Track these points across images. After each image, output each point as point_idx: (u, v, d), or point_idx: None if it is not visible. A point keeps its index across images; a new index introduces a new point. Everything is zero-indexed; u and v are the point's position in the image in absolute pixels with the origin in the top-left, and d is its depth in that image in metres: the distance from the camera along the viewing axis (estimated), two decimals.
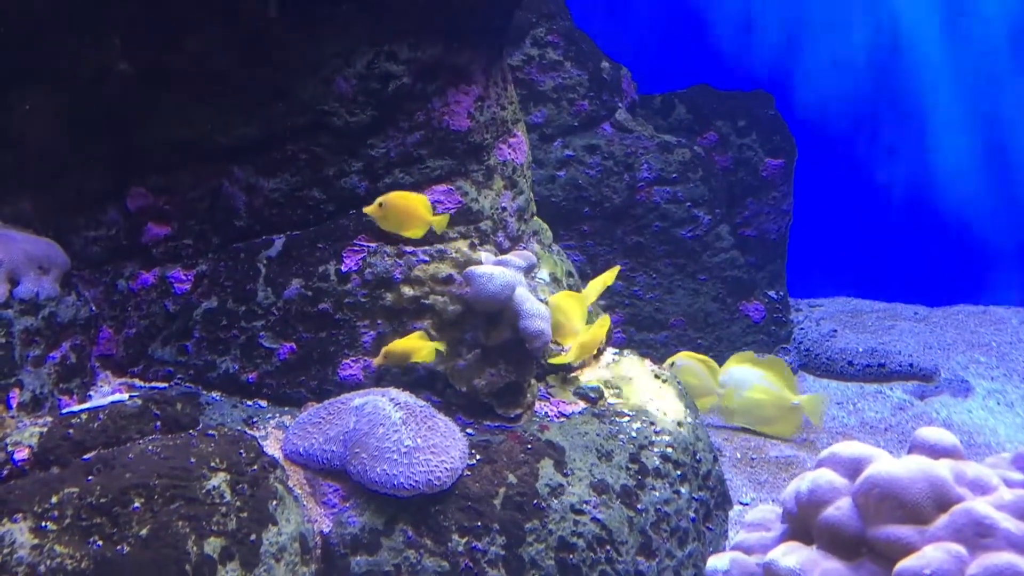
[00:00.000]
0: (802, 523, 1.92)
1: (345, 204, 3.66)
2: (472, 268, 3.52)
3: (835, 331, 6.99)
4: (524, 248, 4.17)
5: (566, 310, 3.53)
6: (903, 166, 9.57)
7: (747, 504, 4.34)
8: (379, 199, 3.44)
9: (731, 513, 4.02)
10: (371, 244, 3.60)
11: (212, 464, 2.58)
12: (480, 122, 3.89)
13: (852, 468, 1.88)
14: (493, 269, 3.49)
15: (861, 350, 6.52)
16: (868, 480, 1.80)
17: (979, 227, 9.43)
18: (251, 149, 3.57)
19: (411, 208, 3.49)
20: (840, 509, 1.84)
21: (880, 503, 1.78)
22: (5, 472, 2.42)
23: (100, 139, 3.53)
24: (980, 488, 1.81)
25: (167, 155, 3.57)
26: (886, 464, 1.82)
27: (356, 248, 3.59)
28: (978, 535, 1.68)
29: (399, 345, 3.32)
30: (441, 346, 3.42)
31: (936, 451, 1.88)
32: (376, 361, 3.31)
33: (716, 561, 2.03)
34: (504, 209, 4.00)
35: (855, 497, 1.83)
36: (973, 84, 9.31)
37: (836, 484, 1.87)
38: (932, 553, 1.67)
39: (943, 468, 1.80)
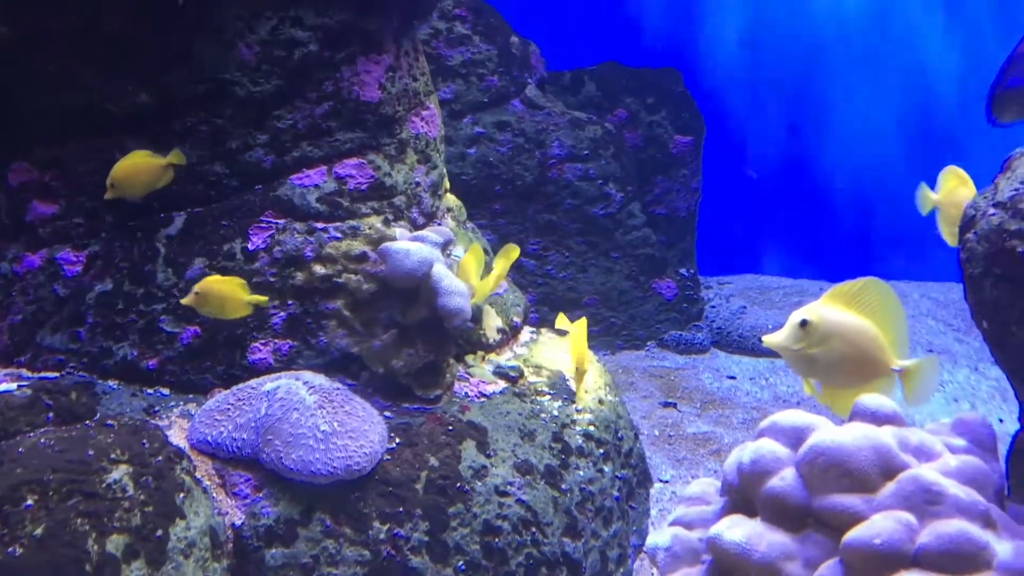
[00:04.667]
0: (744, 495, 1.86)
1: (250, 179, 3.46)
2: (388, 244, 3.38)
3: (745, 308, 7.07)
4: (439, 225, 4.04)
5: (464, 268, 3.48)
6: (806, 144, 9.77)
7: (667, 481, 4.32)
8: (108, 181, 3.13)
9: (651, 491, 4.00)
10: (279, 221, 3.42)
11: (112, 456, 2.39)
12: (392, 93, 3.73)
13: (795, 437, 1.83)
14: (410, 245, 3.36)
15: (771, 327, 6.60)
16: (812, 449, 1.75)
17: (881, 203, 9.70)
18: (147, 119, 3.34)
19: (130, 161, 3.17)
20: (784, 480, 1.78)
21: (825, 472, 1.73)
22: None
23: None
24: (925, 455, 1.78)
25: (53, 126, 3.32)
26: (830, 432, 1.77)
27: (264, 225, 3.40)
28: (927, 502, 1.65)
29: (217, 282, 3.04)
30: (264, 300, 3.17)
31: (878, 418, 1.84)
32: (186, 301, 3.01)
33: (657, 538, 1.95)
34: (418, 184, 3.86)
35: (799, 467, 1.78)
36: (881, 62, 9.55)
37: (779, 454, 1.82)
38: (882, 522, 1.63)
39: (887, 435, 1.77)
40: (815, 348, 2.05)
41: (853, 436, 1.74)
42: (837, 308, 2.12)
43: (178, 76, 3.31)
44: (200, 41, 3.30)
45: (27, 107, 3.28)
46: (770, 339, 2.15)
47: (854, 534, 1.63)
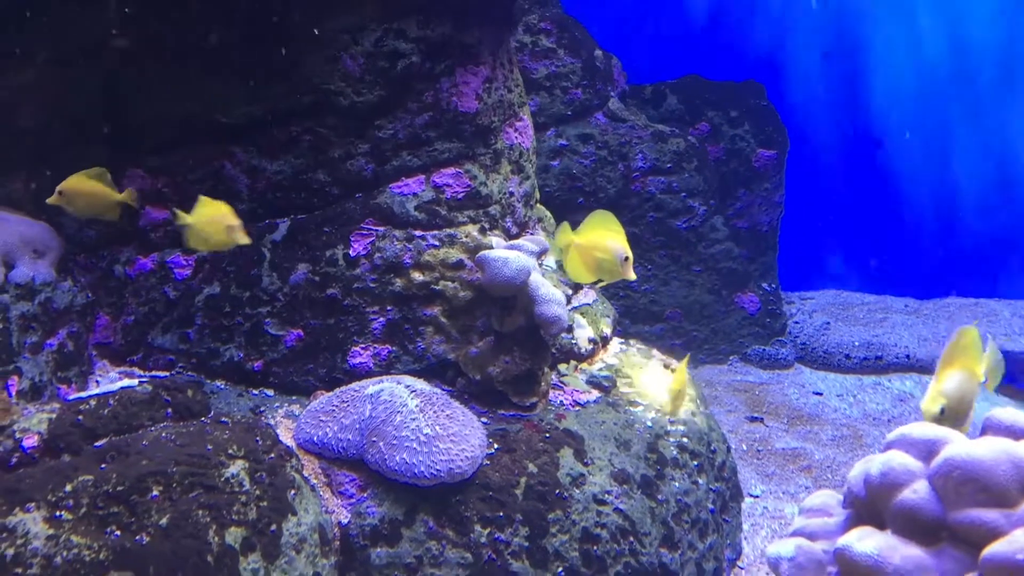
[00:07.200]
0: (872, 508, 1.84)
1: (352, 187, 3.53)
2: (485, 252, 3.41)
3: (828, 324, 6.95)
4: (532, 234, 4.07)
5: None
6: (891, 159, 9.59)
7: (757, 496, 4.26)
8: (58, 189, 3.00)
9: (742, 505, 3.95)
10: (379, 228, 3.48)
11: (230, 451, 2.45)
12: (488, 104, 3.78)
13: (926, 450, 1.80)
14: (507, 253, 3.38)
15: (857, 343, 6.49)
16: (948, 462, 1.72)
17: (968, 220, 9.47)
18: (253, 129, 3.44)
19: (87, 183, 3.03)
20: (917, 492, 1.75)
21: (961, 486, 1.70)
22: (14, 460, 2.27)
23: (95, 117, 3.38)
24: None
25: (165, 134, 3.43)
26: (966, 445, 1.74)
27: (364, 232, 3.46)
28: None
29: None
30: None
31: (1014, 432, 1.80)
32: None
33: (779, 548, 1.93)
34: (512, 194, 3.89)
35: (933, 480, 1.75)
36: (966, 79, 9.34)
37: (910, 466, 1.79)
38: None
39: None
40: (954, 422, 2.10)
41: (990, 450, 1.71)
42: (950, 375, 2.17)
43: (284, 87, 3.39)
44: (306, 53, 3.38)
45: (141, 116, 3.39)
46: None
47: (995, 548, 1.60)
